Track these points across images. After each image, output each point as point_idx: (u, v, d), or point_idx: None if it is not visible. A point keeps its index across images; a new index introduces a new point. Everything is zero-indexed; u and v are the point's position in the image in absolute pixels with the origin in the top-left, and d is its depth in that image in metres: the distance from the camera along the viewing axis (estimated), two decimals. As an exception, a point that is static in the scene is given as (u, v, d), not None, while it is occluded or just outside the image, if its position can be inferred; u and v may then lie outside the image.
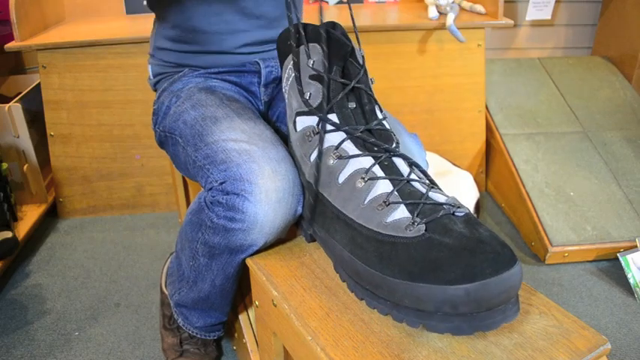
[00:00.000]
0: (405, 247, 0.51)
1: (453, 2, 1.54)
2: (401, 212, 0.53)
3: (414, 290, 0.49)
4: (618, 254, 1.29)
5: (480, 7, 1.62)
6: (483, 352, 0.51)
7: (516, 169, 1.51)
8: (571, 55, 1.97)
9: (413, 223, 0.51)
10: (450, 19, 1.50)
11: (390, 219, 0.53)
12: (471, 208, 1.46)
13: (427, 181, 0.58)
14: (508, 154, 1.56)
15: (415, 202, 0.53)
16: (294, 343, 0.61)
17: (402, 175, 0.56)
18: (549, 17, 1.84)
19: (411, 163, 0.59)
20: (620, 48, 1.83)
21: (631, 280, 1.26)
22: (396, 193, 0.54)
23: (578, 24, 1.95)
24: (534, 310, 0.57)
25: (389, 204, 0.54)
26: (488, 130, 1.68)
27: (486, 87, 1.69)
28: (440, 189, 0.58)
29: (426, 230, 0.51)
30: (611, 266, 1.35)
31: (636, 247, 1.30)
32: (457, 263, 0.47)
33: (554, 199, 1.43)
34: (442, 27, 1.52)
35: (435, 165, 1.51)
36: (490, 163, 1.72)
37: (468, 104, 1.66)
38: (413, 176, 0.57)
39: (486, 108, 1.68)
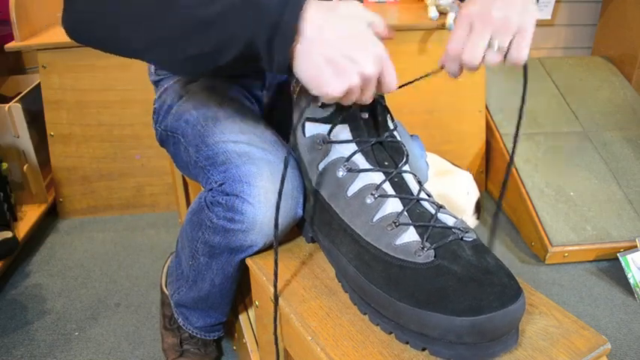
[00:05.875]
0: (414, 273, 0.51)
1: (453, 2, 1.54)
2: (410, 235, 0.53)
3: (420, 317, 0.49)
4: (618, 254, 1.29)
5: (480, 7, 1.61)
6: (483, 352, 0.51)
7: (516, 169, 1.51)
8: (571, 55, 1.97)
9: (422, 248, 0.52)
10: (450, 19, 1.50)
11: (399, 241, 0.53)
12: (471, 208, 1.46)
13: (436, 200, 0.58)
14: (508, 154, 1.56)
15: (425, 224, 0.53)
16: (294, 343, 0.61)
17: (412, 194, 0.56)
18: (549, 17, 1.84)
19: (419, 180, 0.59)
20: (620, 48, 1.84)
21: (631, 280, 1.26)
22: (405, 213, 0.54)
23: (578, 24, 1.95)
24: (534, 310, 0.57)
25: (398, 225, 0.54)
26: (488, 130, 1.68)
27: (486, 87, 1.69)
28: (447, 209, 0.58)
29: (435, 256, 0.51)
30: (611, 266, 1.35)
31: (636, 247, 1.30)
32: (465, 295, 0.48)
33: (554, 199, 1.43)
34: (442, 27, 1.52)
35: (435, 165, 1.51)
36: (490, 163, 1.72)
37: (468, 104, 1.66)
38: (422, 195, 0.57)
39: (486, 108, 1.68)
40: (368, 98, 0.53)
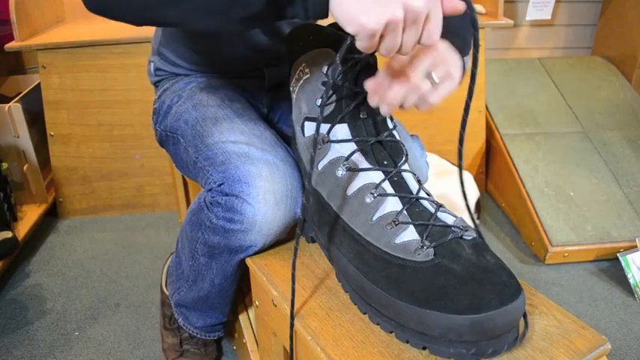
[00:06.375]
0: (414, 272, 0.51)
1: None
2: (410, 234, 0.53)
3: (420, 315, 0.49)
4: (618, 254, 1.29)
5: (480, 7, 1.62)
6: (483, 352, 0.51)
7: (516, 169, 1.51)
8: (571, 55, 1.97)
9: (422, 247, 0.52)
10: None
11: (398, 240, 0.53)
12: (471, 208, 1.46)
13: (435, 199, 0.58)
14: (508, 154, 1.56)
15: (424, 223, 0.53)
16: (294, 343, 0.61)
17: (412, 193, 0.56)
18: (549, 17, 1.84)
19: (419, 180, 0.59)
20: (620, 48, 1.83)
21: (631, 280, 1.26)
22: (405, 212, 0.54)
23: (578, 24, 1.95)
24: (534, 310, 0.57)
25: (398, 224, 0.54)
26: (488, 130, 1.68)
27: (486, 87, 1.69)
28: (447, 208, 0.58)
29: (434, 255, 0.51)
30: (611, 266, 1.35)
31: (636, 247, 1.30)
32: (464, 293, 0.48)
33: (554, 199, 1.43)
34: (442, 27, 1.52)
35: (435, 165, 1.51)
36: (490, 163, 1.72)
37: (467, 104, 1.66)
38: (422, 194, 0.57)
39: (486, 108, 1.68)
40: (409, 45, 0.46)
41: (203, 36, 0.80)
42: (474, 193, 1.48)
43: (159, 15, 0.54)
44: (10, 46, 1.38)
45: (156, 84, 0.92)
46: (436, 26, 0.46)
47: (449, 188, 1.45)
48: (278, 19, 0.50)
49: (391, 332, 0.54)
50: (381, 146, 0.59)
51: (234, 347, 1.01)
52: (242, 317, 0.91)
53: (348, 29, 0.45)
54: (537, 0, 1.80)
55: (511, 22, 1.55)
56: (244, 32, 0.50)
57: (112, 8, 0.55)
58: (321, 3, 0.46)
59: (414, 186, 0.57)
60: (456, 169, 1.51)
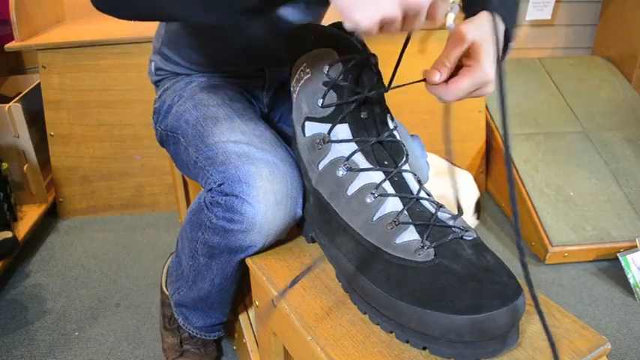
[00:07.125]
0: (414, 272, 0.51)
1: (453, 2, 1.54)
2: (410, 234, 0.53)
3: (420, 316, 0.49)
4: (618, 254, 1.29)
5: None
6: (483, 352, 0.51)
7: (516, 169, 1.51)
8: (571, 55, 1.97)
9: (422, 247, 0.52)
10: (450, 19, 1.50)
11: (399, 240, 0.53)
12: (471, 208, 1.46)
13: (435, 199, 0.58)
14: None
15: (425, 223, 0.53)
16: (294, 343, 0.61)
17: (412, 193, 0.56)
18: (549, 17, 1.84)
19: (419, 180, 0.59)
20: (620, 48, 1.83)
21: (631, 280, 1.26)
22: (405, 212, 0.54)
23: (578, 24, 1.95)
24: (534, 310, 0.57)
25: (398, 224, 0.54)
26: (489, 130, 1.68)
27: (486, 87, 1.68)
28: (447, 208, 0.58)
29: (435, 255, 0.51)
30: (611, 266, 1.35)
31: (636, 247, 1.30)
32: (465, 293, 0.48)
33: (554, 199, 1.43)
34: (442, 27, 1.52)
35: (435, 165, 1.51)
36: (490, 163, 1.72)
37: (468, 104, 1.65)
38: (422, 194, 0.57)
39: (486, 108, 1.68)
40: (410, 29, 0.47)
41: (206, 37, 0.80)
42: (473, 193, 1.48)
43: (163, 11, 0.55)
44: (10, 46, 1.38)
45: (156, 83, 0.92)
46: (440, 11, 0.47)
47: (449, 188, 1.45)
48: (281, 4, 0.50)
49: (391, 332, 0.54)
50: (382, 146, 0.59)
51: (234, 347, 1.01)
52: (242, 317, 0.91)
53: (345, 25, 0.45)
54: (537, 0, 1.80)
55: (511, 22, 1.55)
56: (248, 22, 0.51)
57: (119, 7, 0.56)
58: None
59: (414, 186, 0.57)
60: (456, 169, 1.52)
